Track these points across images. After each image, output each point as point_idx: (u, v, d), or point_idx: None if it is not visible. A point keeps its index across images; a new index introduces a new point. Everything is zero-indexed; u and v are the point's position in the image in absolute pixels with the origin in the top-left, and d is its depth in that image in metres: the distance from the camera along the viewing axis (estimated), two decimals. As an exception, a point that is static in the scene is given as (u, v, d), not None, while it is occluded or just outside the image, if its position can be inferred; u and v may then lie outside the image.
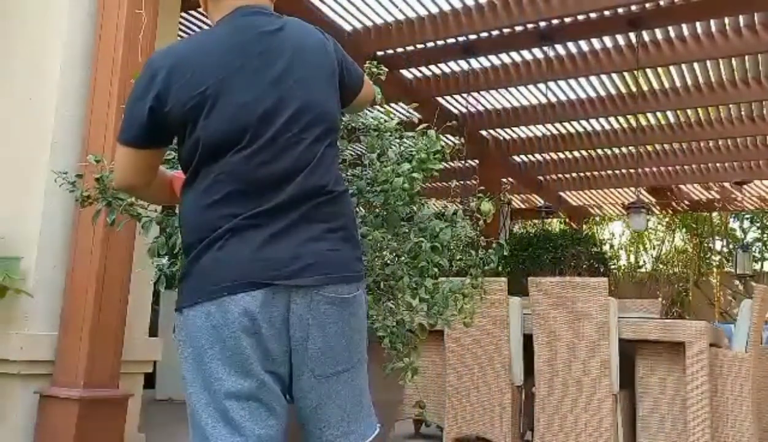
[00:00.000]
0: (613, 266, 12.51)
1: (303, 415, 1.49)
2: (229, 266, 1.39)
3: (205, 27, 6.80)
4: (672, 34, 6.51)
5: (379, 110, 2.43)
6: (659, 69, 7.22)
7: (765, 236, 13.64)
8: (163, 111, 1.45)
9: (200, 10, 6.46)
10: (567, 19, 6.22)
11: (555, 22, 6.30)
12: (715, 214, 13.31)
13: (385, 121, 2.32)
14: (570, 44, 6.84)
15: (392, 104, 7.82)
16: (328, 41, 1.63)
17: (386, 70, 2.41)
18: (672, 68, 7.18)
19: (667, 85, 7.57)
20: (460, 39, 6.63)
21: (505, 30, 6.48)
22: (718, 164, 10.02)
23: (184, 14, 6.25)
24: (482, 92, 8.02)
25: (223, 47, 1.49)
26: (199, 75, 1.44)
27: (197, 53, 1.49)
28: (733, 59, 6.86)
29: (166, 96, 1.44)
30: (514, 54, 7.18)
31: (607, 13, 6.17)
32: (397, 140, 2.30)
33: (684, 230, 14.27)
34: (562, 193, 12.17)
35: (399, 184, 2.12)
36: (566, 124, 8.95)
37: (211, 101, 1.42)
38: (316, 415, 1.47)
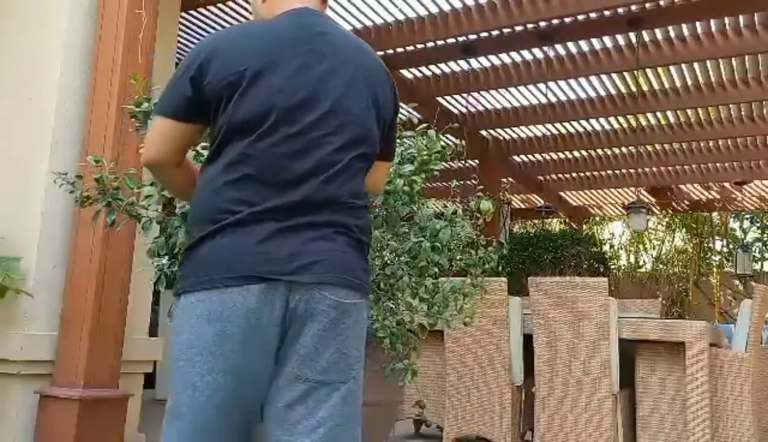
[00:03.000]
0: (613, 266, 12.52)
1: (272, 415, 1.43)
2: (230, 257, 1.38)
3: (205, 27, 6.80)
4: (672, 34, 6.50)
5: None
6: (659, 69, 7.22)
7: (765, 236, 13.63)
8: (203, 83, 1.45)
9: (209, 8, 6.30)
10: (567, 19, 6.22)
11: (555, 22, 6.30)
12: (715, 214, 13.30)
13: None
14: (570, 44, 6.84)
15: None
16: (390, 79, 1.63)
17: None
18: (672, 68, 7.17)
19: (667, 85, 7.56)
20: (460, 39, 6.62)
21: (505, 30, 6.48)
22: (718, 164, 10.01)
23: (184, 14, 6.25)
24: (482, 92, 8.01)
25: (274, 36, 1.51)
26: (243, 54, 1.46)
27: (246, 36, 1.54)
28: (733, 59, 6.85)
29: (208, 68, 1.45)
30: (514, 54, 7.18)
31: (607, 13, 6.17)
32: (398, 140, 2.30)
33: (684, 230, 14.27)
34: (562, 193, 12.16)
35: (400, 185, 2.13)
36: (566, 124, 8.94)
37: (248, 81, 1.43)
38: (286, 415, 1.41)
